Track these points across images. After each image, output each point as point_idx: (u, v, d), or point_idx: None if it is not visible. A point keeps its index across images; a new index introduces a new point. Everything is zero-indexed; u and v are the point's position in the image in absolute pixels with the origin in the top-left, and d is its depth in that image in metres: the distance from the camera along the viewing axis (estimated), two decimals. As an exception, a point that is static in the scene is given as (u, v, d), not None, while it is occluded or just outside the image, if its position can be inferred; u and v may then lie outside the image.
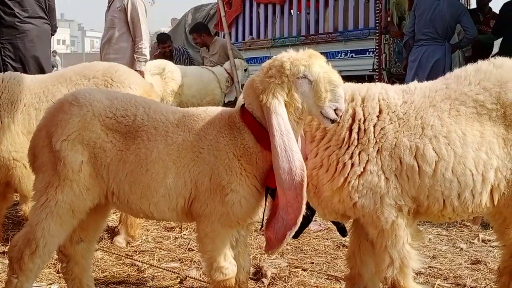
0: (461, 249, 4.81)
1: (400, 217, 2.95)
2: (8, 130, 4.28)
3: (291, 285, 3.94)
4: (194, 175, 2.95)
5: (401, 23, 9.80)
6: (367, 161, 2.91)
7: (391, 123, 2.95)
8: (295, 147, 2.75)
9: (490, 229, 5.15)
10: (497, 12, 9.13)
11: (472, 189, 2.90)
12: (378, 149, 2.92)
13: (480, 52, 9.78)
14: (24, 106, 4.37)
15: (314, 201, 3.12)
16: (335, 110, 2.74)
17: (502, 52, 8.46)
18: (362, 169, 2.91)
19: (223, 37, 10.16)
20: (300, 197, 2.75)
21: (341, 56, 10.27)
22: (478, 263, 4.41)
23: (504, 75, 2.97)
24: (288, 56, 2.82)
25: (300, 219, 2.77)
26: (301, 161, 2.76)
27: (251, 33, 12.69)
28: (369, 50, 9.70)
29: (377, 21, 9.57)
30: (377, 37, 9.57)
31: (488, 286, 3.94)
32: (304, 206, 2.76)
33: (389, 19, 9.61)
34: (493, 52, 9.44)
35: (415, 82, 3.22)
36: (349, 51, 10.17)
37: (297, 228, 2.80)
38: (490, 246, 4.85)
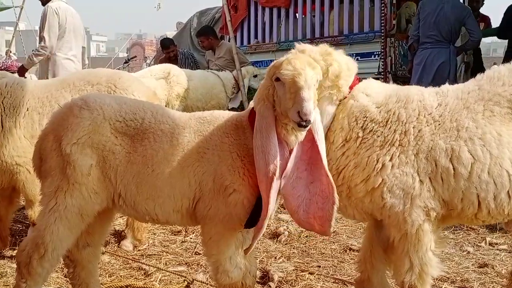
0: (468, 252, 4.79)
1: (426, 222, 2.93)
2: (11, 134, 4.29)
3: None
4: (199, 176, 2.96)
5: (407, 25, 9.78)
6: (406, 163, 2.91)
7: (427, 125, 2.95)
8: (269, 148, 2.76)
9: (497, 232, 5.15)
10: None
11: (509, 190, 2.89)
12: (416, 152, 2.92)
13: (480, 56, 9.80)
14: (27, 110, 4.39)
15: (344, 201, 3.09)
16: (298, 113, 2.66)
17: (508, 55, 8.48)
18: (401, 172, 2.91)
19: (228, 41, 10.15)
20: (267, 196, 2.78)
21: (346, 59, 10.26)
22: (486, 266, 4.40)
23: None
24: (285, 57, 2.85)
25: (266, 216, 2.82)
26: (275, 162, 2.76)
27: (256, 37, 12.70)
28: (375, 53, 9.68)
29: (382, 24, 9.56)
30: (383, 40, 9.56)
31: (496, 290, 3.93)
32: (271, 204, 2.79)
33: (394, 22, 9.59)
34: (494, 54, 9.41)
35: (447, 84, 3.22)
36: (354, 54, 10.13)
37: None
38: (497, 249, 4.83)
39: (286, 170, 2.82)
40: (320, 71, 2.79)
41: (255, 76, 9.22)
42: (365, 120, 3.00)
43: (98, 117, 3.05)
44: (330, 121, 3.04)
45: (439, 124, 2.94)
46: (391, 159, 2.91)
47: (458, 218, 3.02)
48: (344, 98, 3.07)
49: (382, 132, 2.96)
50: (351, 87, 3.07)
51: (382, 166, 2.91)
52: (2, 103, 4.33)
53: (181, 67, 9.29)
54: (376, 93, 3.10)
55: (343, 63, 3.04)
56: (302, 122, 2.63)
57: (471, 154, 2.87)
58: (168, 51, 10.64)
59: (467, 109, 2.97)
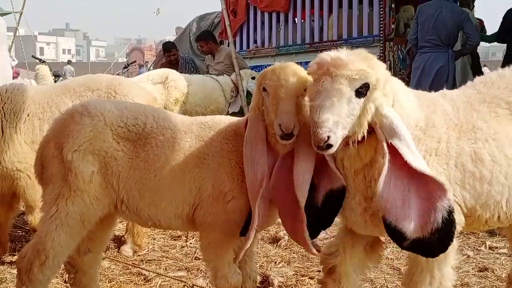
0: (468, 256, 4.79)
1: (455, 238, 2.72)
2: (11, 140, 4.29)
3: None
4: (198, 182, 2.97)
5: (406, 30, 9.81)
6: (440, 172, 2.76)
7: (452, 130, 2.86)
8: (257, 159, 2.77)
9: (497, 236, 5.15)
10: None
11: None
12: (448, 159, 2.79)
13: (478, 60, 9.82)
14: (28, 116, 4.39)
15: (366, 217, 2.84)
16: (279, 125, 2.66)
17: (507, 59, 8.49)
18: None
19: (228, 45, 10.17)
20: (253, 203, 2.78)
21: (345, 63, 10.28)
22: (486, 270, 4.40)
23: None
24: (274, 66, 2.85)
25: (253, 226, 2.79)
26: (262, 173, 2.76)
27: (255, 42, 12.74)
28: (374, 57, 9.71)
29: (381, 29, 9.59)
30: (382, 45, 9.58)
31: (496, 294, 3.92)
32: (255, 213, 2.78)
33: (393, 26, 9.62)
34: (493, 58, 9.43)
35: (445, 89, 3.19)
36: (353, 59, 10.18)
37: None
38: (497, 253, 4.83)
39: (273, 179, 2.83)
40: (308, 79, 2.67)
41: (253, 78, 9.22)
42: (415, 127, 2.78)
43: (99, 123, 3.05)
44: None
45: (459, 128, 2.87)
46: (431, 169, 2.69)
47: (471, 226, 2.92)
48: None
49: (425, 140, 2.78)
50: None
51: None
52: (3, 108, 4.34)
53: (181, 72, 9.30)
54: (408, 98, 2.87)
55: (382, 65, 2.78)
56: (283, 135, 2.66)
57: (490, 155, 2.82)
58: (170, 54, 10.68)
59: (476, 111, 2.93)
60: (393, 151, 2.56)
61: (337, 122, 2.48)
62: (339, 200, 2.76)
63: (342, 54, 2.58)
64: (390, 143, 2.57)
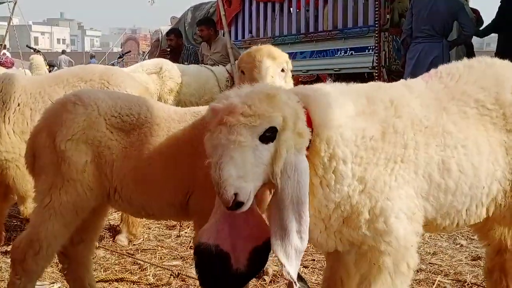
0: (462, 245, 4.82)
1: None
2: None
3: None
4: (192, 169, 2.97)
5: (400, 20, 9.80)
6: (408, 182, 2.50)
7: (421, 135, 2.55)
8: None
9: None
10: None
11: (477, 202, 2.71)
12: (415, 168, 2.52)
13: (472, 50, 9.83)
14: (18, 106, 4.37)
15: (325, 233, 2.58)
16: None
17: (502, 49, 8.52)
18: (405, 193, 2.49)
19: (223, 35, 10.15)
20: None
21: (340, 53, 10.27)
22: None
23: (499, 74, 2.84)
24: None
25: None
26: None
27: (250, 32, 12.69)
28: (369, 47, 9.70)
29: (377, 19, 9.57)
30: (377, 35, 9.57)
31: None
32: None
33: (388, 16, 9.61)
34: (488, 48, 9.46)
35: (410, 79, 2.93)
36: (348, 49, 10.16)
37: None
38: (490, 242, 4.86)
39: None
40: (284, 59, 2.53)
41: None
42: (361, 139, 2.45)
43: (93, 112, 3.05)
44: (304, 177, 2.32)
45: (430, 131, 2.56)
46: (396, 179, 2.46)
47: (426, 230, 2.74)
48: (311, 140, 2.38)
49: (384, 148, 2.46)
50: (308, 122, 2.36)
51: (389, 188, 2.44)
52: None
53: (181, 62, 9.28)
54: (344, 110, 2.48)
55: (290, 100, 2.35)
56: None
57: (457, 165, 2.58)
58: (168, 38, 10.65)
59: (445, 111, 2.65)
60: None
61: (242, 176, 2.19)
62: (266, 253, 2.43)
63: (236, 98, 2.26)
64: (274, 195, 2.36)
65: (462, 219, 2.73)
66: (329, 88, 2.60)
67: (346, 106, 2.48)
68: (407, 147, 2.49)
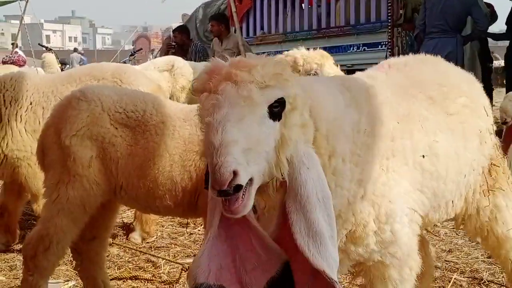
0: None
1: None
2: (10, 128, 4.29)
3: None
4: (200, 169, 2.95)
5: (413, 14, 9.74)
6: (402, 177, 2.27)
7: (403, 123, 2.33)
8: None
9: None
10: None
11: (459, 193, 2.59)
12: (406, 159, 2.30)
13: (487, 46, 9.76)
14: (31, 104, 4.38)
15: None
16: None
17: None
18: (403, 190, 2.28)
19: (235, 32, 10.12)
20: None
21: (353, 49, 10.24)
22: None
23: (449, 69, 2.84)
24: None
25: None
26: None
27: (262, 28, 12.67)
28: (382, 43, 9.66)
29: (389, 14, 9.52)
30: (389, 30, 9.51)
31: (506, 279, 3.91)
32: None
33: (401, 12, 9.54)
34: (501, 43, 9.40)
35: (369, 70, 2.76)
36: (361, 45, 10.13)
37: None
38: (506, 239, 4.81)
39: None
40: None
41: None
42: (358, 133, 2.17)
43: (96, 108, 3.05)
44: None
45: (408, 119, 2.34)
46: (392, 177, 2.21)
47: None
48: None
49: (374, 142, 2.21)
50: None
51: (389, 189, 2.17)
52: (4, 96, 4.33)
53: (189, 59, 9.27)
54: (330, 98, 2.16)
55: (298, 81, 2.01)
56: None
57: (442, 149, 2.41)
58: (173, 34, 10.69)
59: (415, 97, 2.46)
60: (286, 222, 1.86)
61: (246, 149, 1.69)
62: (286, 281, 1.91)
63: (247, 58, 1.89)
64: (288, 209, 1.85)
65: (445, 213, 2.59)
66: (314, 80, 2.34)
67: (337, 96, 2.16)
68: (394, 138, 2.24)
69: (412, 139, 2.30)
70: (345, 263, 2.18)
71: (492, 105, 10.93)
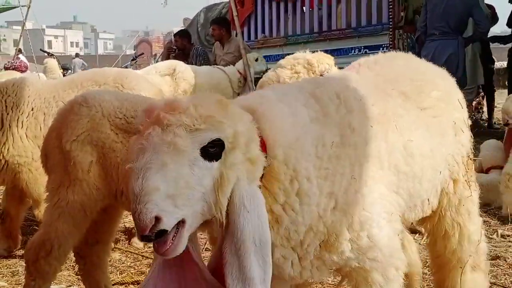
0: (484, 235, 4.75)
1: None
2: (11, 133, 4.30)
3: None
4: None
5: (414, 17, 9.75)
6: (378, 181, 2.22)
7: (377, 123, 2.27)
8: None
9: (509, 224, 5.11)
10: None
11: (434, 191, 2.56)
12: (381, 162, 2.25)
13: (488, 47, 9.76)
14: (32, 110, 4.38)
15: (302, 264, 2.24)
16: None
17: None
18: (380, 195, 2.24)
19: (236, 36, 10.13)
20: None
21: (354, 52, 10.23)
22: (498, 259, 4.37)
23: (420, 65, 2.82)
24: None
25: None
26: None
27: (263, 32, 12.68)
28: (383, 45, 9.65)
29: (390, 17, 9.51)
30: (391, 33, 9.51)
31: (508, 282, 3.90)
32: None
33: (402, 14, 9.55)
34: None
35: (345, 70, 2.76)
36: (362, 47, 10.13)
37: None
38: (509, 241, 4.80)
39: None
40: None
41: (256, 59, 9.16)
42: (324, 147, 2.09)
43: (97, 114, 3.06)
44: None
45: (383, 119, 2.29)
46: (366, 184, 2.15)
47: None
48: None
49: (347, 152, 2.14)
50: (263, 146, 1.96)
51: (362, 196, 2.13)
52: (6, 101, 4.34)
53: (190, 63, 9.29)
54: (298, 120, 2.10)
55: (244, 116, 1.94)
56: None
57: (417, 148, 2.36)
58: (174, 39, 10.72)
59: (389, 95, 2.42)
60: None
61: (173, 195, 1.69)
62: None
63: (183, 98, 1.87)
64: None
65: (421, 211, 2.56)
66: (272, 93, 2.21)
67: (299, 113, 2.10)
68: (368, 143, 2.18)
69: (387, 141, 2.27)
70: (322, 269, 2.19)
71: (494, 107, 10.99)
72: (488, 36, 9.62)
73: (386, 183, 2.23)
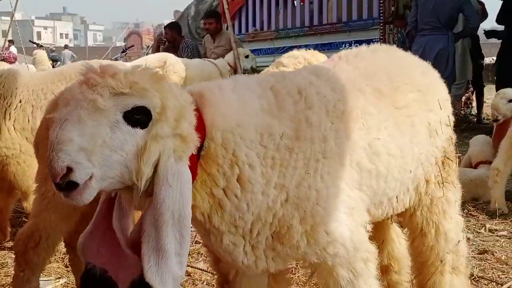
0: (468, 238, 4.79)
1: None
2: None
3: (298, 276, 3.95)
4: None
5: (405, 12, 9.78)
6: (336, 177, 2.21)
7: (339, 121, 2.24)
8: None
9: (497, 218, 5.16)
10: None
11: (404, 189, 2.55)
12: (341, 159, 2.22)
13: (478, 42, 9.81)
14: (20, 102, 4.35)
15: (253, 255, 2.24)
16: None
17: (510, 40, 8.48)
18: (337, 191, 2.23)
19: (227, 29, 10.12)
20: None
21: (345, 46, 10.22)
22: (485, 253, 4.41)
23: (403, 57, 2.78)
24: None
25: None
26: None
27: (254, 25, 12.67)
28: (374, 40, 9.66)
29: (381, 11, 9.54)
30: (381, 27, 9.54)
31: (496, 276, 3.94)
32: None
33: (393, 9, 9.58)
34: (493, 40, 9.43)
35: (319, 65, 2.74)
36: (353, 42, 10.12)
37: None
38: (497, 235, 4.84)
39: None
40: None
41: (247, 56, 9.18)
42: (270, 136, 2.09)
43: None
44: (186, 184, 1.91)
45: (348, 116, 2.26)
46: (322, 179, 2.13)
47: None
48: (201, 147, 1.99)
49: (300, 146, 2.12)
50: (199, 128, 1.97)
51: (316, 192, 2.11)
52: None
53: (180, 55, 9.26)
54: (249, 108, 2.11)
55: (180, 95, 1.98)
56: None
57: (384, 147, 2.35)
58: (164, 31, 10.71)
59: (361, 92, 2.39)
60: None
61: (87, 149, 1.74)
62: None
63: (121, 66, 1.93)
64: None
65: (391, 208, 2.55)
66: (230, 83, 2.24)
67: (249, 102, 2.11)
68: (326, 139, 2.16)
69: (350, 138, 2.25)
70: (277, 261, 2.20)
71: (484, 102, 11.05)
72: (485, 31, 9.68)
73: (347, 179, 2.21)
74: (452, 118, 2.83)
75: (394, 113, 2.45)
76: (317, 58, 4.09)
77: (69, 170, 1.73)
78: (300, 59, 4.26)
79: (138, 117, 1.81)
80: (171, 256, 1.87)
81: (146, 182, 1.86)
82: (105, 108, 1.76)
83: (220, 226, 2.06)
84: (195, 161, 1.96)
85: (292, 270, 3.77)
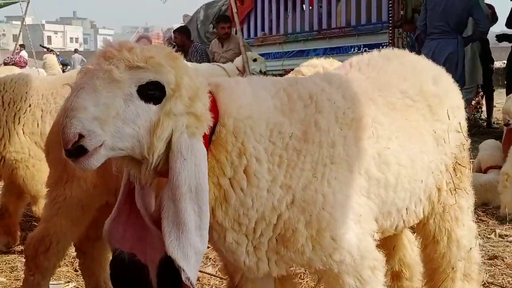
0: (478, 244, 4.77)
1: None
2: (8, 129, 4.29)
3: (306, 281, 3.94)
4: None
5: (414, 16, 9.76)
6: (345, 184, 2.20)
7: (348, 128, 2.24)
8: None
9: (507, 224, 5.13)
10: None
11: (416, 199, 2.54)
12: (349, 166, 2.21)
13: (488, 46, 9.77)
14: (30, 106, 4.37)
15: (255, 257, 2.25)
16: None
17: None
18: (344, 196, 2.23)
19: (235, 33, 10.13)
20: None
21: (354, 50, 10.23)
22: (495, 259, 4.38)
23: (416, 64, 2.75)
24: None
25: None
26: None
27: (263, 29, 12.68)
28: (383, 44, 9.64)
29: (390, 15, 9.52)
30: (390, 31, 9.52)
31: (506, 281, 3.92)
32: None
33: (402, 13, 9.56)
34: (503, 44, 9.40)
35: (329, 72, 2.76)
36: (362, 46, 10.13)
37: None
38: (507, 241, 4.81)
39: None
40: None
41: (255, 60, 9.18)
42: (280, 134, 2.10)
43: None
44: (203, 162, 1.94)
45: (358, 124, 2.26)
46: (329, 184, 2.12)
47: None
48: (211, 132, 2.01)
49: (308, 149, 2.12)
50: (212, 112, 2.00)
51: (322, 197, 2.10)
52: (3, 97, 4.33)
53: (189, 59, 9.28)
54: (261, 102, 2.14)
55: (195, 76, 2.00)
56: None
57: (394, 157, 2.34)
58: (174, 35, 10.73)
59: (373, 101, 2.40)
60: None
61: (100, 118, 1.77)
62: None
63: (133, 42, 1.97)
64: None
65: (401, 220, 2.52)
66: (246, 80, 2.30)
67: (263, 99, 2.14)
68: (334, 144, 2.16)
69: (359, 146, 2.24)
70: (280, 265, 2.19)
71: (494, 106, 10.99)
72: (496, 35, 9.65)
73: (355, 186, 2.20)
74: (464, 124, 2.81)
75: (405, 124, 2.46)
76: (335, 66, 4.12)
77: (81, 137, 1.77)
78: (319, 67, 4.27)
79: (152, 92, 1.84)
80: (191, 230, 1.88)
81: (158, 157, 1.89)
82: (121, 79, 1.80)
83: (224, 221, 2.06)
84: (207, 142, 1.98)
85: (300, 275, 3.77)
